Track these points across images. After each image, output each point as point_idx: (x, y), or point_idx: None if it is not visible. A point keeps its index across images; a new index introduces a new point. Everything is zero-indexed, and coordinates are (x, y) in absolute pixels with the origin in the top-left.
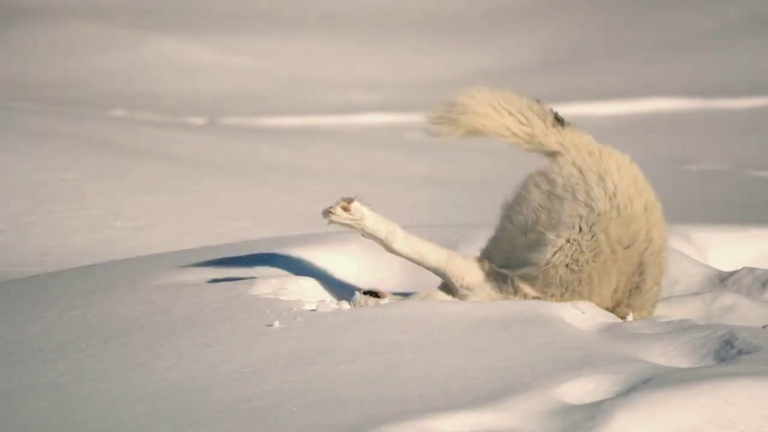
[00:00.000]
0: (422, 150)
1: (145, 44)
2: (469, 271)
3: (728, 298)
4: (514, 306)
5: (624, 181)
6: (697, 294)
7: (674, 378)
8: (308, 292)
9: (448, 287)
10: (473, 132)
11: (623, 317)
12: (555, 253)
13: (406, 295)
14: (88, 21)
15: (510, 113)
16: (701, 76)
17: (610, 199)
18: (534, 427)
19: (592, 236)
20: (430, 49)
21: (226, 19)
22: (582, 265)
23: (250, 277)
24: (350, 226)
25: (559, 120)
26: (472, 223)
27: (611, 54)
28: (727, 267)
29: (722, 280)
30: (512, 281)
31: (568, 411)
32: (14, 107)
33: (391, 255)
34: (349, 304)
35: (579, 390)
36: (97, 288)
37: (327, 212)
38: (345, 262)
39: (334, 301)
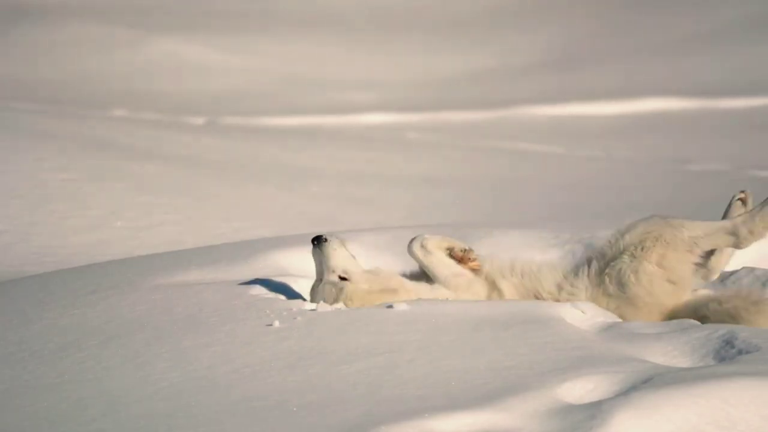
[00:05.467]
0: (422, 150)
1: (145, 44)
2: None
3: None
4: (514, 306)
5: None
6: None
7: (674, 378)
8: (308, 292)
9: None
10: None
11: None
12: None
13: None
14: (88, 21)
15: None
16: (701, 76)
17: None
18: (534, 427)
19: None
20: (430, 49)
21: (226, 19)
22: None
23: (250, 277)
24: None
25: None
26: (472, 223)
27: (611, 54)
28: (727, 267)
29: (722, 279)
30: None
31: (568, 411)
32: (14, 107)
33: (390, 255)
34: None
35: (579, 390)
36: (97, 288)
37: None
38: None
39: None
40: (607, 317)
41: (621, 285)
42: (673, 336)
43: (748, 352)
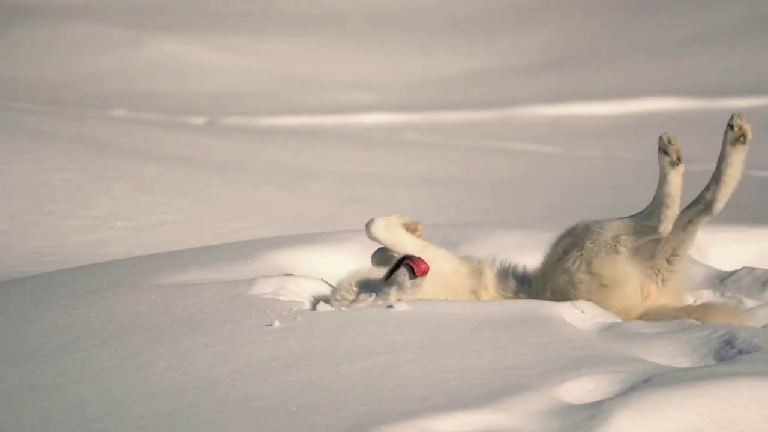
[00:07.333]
0: (421, 150)
1: (145, 44)
2: None
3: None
4: (514, 306)
5: None
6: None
7: (674, 378)
8: (308, 292)
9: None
10: None
11: None
12: None
13: None
14: (88, 21)
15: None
16: (701, 76)
17: None
18: (534, 427)
19: None
20: (430, 49)
21: (226, 19)
22: None
23: (250, 277)
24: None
25: None
26: (472, 223)
27: (611, 54)
28: (727, 267)
29: (722, 279)
30: None
31: (568, 411)
32: (14, 107)
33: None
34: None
35: (579, 390)
36: (97, 288)
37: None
38: (345, 261)
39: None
40: (607, 317)
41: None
42: (673, 336)
43: (748, 352)
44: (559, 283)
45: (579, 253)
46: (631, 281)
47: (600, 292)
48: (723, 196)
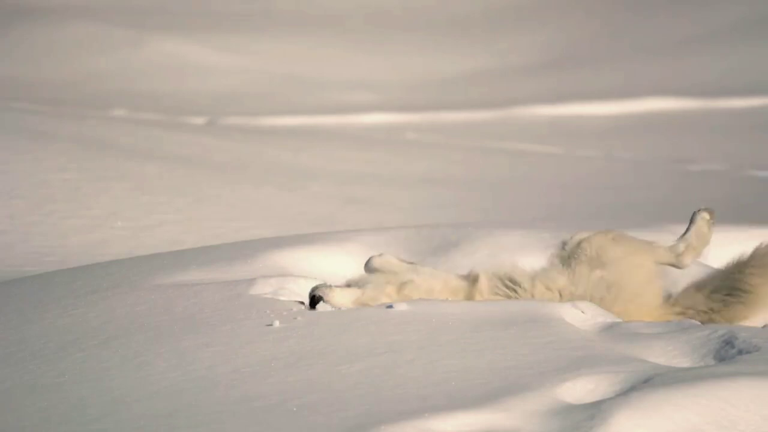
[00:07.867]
0: (421, 150)
1: (145, 44)
2: None
3: None
4: (514, 306)
5: None
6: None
7: (674, 378)
8: (308, 292)
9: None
10: None
11: None
12: None
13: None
14: (88, 21)
15: None
16: (701, 76)
17: None
18: (534, 427)
19: None
20: (430, 49)
21: (226, 19)
22: None
23: (250, 277)
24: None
25: None
26: (472, 223)
27: (611, 54)
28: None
29: None
30: None
31: (568, 411)
32: (14, 107)
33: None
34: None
35: (579, 390)
36: (97, 288)
37: None
38: (345, 262)
39: None
40: (607, 317)
41: (591, 260)
42: (673, 336)
43: (748, 352)
44: (586, 253)
45: (604, 231)
46: (648, 254)
47: (622, 250)
48: (693, 255)
